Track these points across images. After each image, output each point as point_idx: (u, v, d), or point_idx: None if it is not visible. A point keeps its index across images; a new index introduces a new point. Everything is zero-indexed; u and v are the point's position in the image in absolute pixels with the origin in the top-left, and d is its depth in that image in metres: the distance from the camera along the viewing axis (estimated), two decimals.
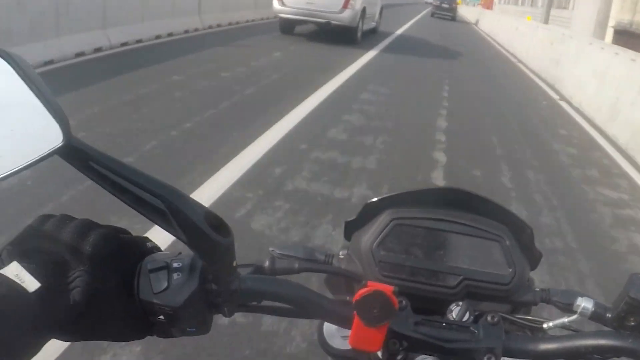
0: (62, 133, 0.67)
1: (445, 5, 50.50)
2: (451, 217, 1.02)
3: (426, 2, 72.33)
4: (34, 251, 0.73)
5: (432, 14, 50.90)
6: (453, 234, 1.01)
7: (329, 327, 1.07)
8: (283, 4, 17.54)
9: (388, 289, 0.80)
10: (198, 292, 0.79)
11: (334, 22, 17.40)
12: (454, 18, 49.94)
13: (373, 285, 0.80)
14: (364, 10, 18.08)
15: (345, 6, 17.19)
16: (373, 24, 19.94)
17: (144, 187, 0.72)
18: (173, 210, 0.72)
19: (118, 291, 0.77)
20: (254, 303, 0.89)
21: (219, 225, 0.76)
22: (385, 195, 1.03)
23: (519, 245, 1.02)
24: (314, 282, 0.95)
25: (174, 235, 0.74)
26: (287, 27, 18.24)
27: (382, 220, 1.02)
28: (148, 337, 0.84)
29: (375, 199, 1.03)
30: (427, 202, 1.04)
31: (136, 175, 0.72)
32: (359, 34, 18.20)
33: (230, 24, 19.15)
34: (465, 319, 0.94)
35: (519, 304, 1.02)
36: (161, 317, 0.79)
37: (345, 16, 17.33)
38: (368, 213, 1.04)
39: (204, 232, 0.73)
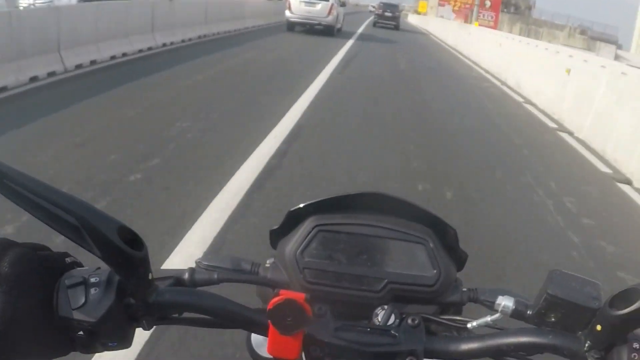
0: None
1: (389, 14, 30.22)
2: (374, 222, 0.62)
3: (370, 11, 46.57)
4: None
5: (375, 24, 30.27)
6: (377, 238, 0.62)
7: (256, 336, 0.69)
8: (292, 13, 17.93)
9: (300, 296, 0.53)
10: (116, 306, 0.52)
11: (323, 23, 18.05)
12: (397, 27, 30.00)
13: (285, 294, 0.53)
14: (337, 16, 18.83)
15: (329, 14, 17.98)
16: (339, 26, 19.80)
17: (56, 203, 0.47)
18: (86, 225, 0.47)
19: (37, 309, 0.50)
20: (175, 315, 0.58)
21: (132, 239, 0.50)
22: (308, 203, 0.63)
23: (443, 246, 0.63)
24: (245, 293, 0.56)
25: (88, 251, 0.48)
26: (291, 26, 18.40)
27: (306, 227, 0.63)
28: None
29: (298, 207, 0.64)
30: (350, 207, 0.64)
31: (49, 192, 0.48)
32: (335, 30, 18.81)
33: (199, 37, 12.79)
34: (391, 322, 0.59)
35: (446, 305, 0.64)
36: (80, 332, 0.51)
37: (330, 19, 18.06)
38: (292, 221, 0.64)
39: (117, 246, 0.48)
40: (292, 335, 0.53)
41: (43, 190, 0.47)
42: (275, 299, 0.52)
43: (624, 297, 0.48)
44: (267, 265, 0.65)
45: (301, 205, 0.62)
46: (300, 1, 17.70)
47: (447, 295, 0.62)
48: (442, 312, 0.63)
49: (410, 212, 0.63)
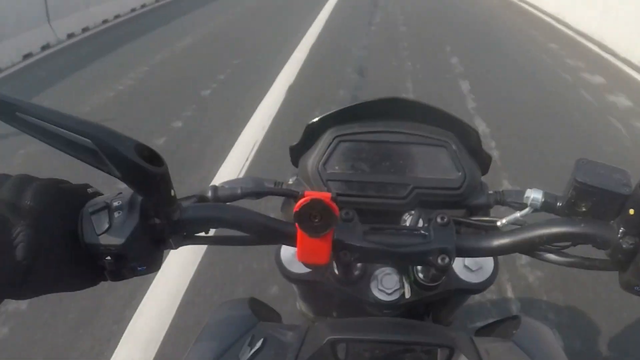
0: None
1: None
2: (393, 128, 0.60)
3: None
4: None
5: None
6: (398, 144, 0.60)
7: (286, 253, 0.67)
8: None
9: (326, 196, 0.49)
10: (141, 227, 0.50)
11: None
12: None
13: (310, 194, 0.50)
14: None
15: None
16: None
17: (72, 128, 0.45)
18: (103, 147, 0.45)
19: (63, 240, 0.49)
20: (202, 234, 0.56)
21: (151, 156, 0.48)
22: (325, 114, 0.60)
23: (466, 149, 0.60)
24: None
25: (108, 173, 0.46)
26: None
27: (325, 139, 0.60)
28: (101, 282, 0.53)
29: (315, 119, 0.61)
30: (369, 115, 0.61)
31: (63, 118, 0.45)
32: None
33: None
34: (419, 226, 0.57)
35: (473, 208, 0.61)
36: (108, 257, 0.50)
37: None
38: (311, 135, 0.62)
39: (137, 164, 0.46)
40: (321, 238, 0.51)
41: (57, 118, 0.45)
42: (302, 200, 0.49)
43: None
44: (290, 182, 0.63)
45: (319, 118, 0.60)
46: None
47: (473, 198, 0.60)
48: (470, 216, 0.61)
49: (429, 115, 0.60)
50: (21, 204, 0.47)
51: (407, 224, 0.57)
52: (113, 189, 0.52)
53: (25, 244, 0.45)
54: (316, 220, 0.49)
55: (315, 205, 0.49)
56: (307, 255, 0.52)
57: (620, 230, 0.49)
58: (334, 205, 0.49)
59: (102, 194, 0.54)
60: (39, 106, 0.45)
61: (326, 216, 0.49)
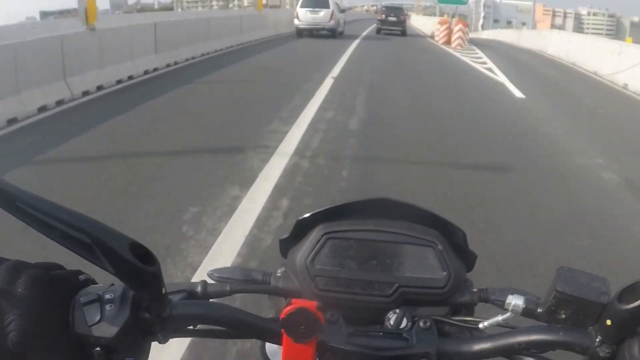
0: None
1: (393, 19, 23.99)
2: (382, 227, 0.59)
3: (366, 11, 38.09)
4: None
5: (378, 31, 24.04)
6: (386, 242, 0.58)
7: (271, 345, 0.65)
8: (300, 21, 18.97)
9: (312, 305, 0.49)
10: (131, 321, 0.49)
11: (326, 27, 19.05)
12: (404, 33, 23.73)
13: (297, 303, 0.50)
14: (338, 21, 19.90)
15: (331, 19, 19.04)
16: (340, 29, 20.72)
17: (68, 223, 0.45)
18: (98, 243, 0.45)
19: (53, 328, 0.48)
20: (190, 327, 0.55)
21: (144, 254, 0.47)
22: (316, 211, 0.59)
23: (452, 248, 0.59)
24: (258, 302, 0.54)
25: (102, 268, 0.46)
26: (300, 32, 19.25)
27: (315, 235, 0.59)
28: None
29: (306, 215, 0.60)
30: (358, 213, 0.60)
31: (61, 212, 0.45)
32: (337, 33, 19.83)
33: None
34: (403, 325, 0.55)
35: (458, 306, 0.60)
36: (97, 348, 0.48)
37: (332, 24, 19.12)
38: (301, 229, 0.60)
39: (130, 262, 0.46)
40: (305, 343, 0.50)
41: (55, 211, 0.45)
42: (288, 308, 0.49)
43: (632, 290, 0.45)
44: (278, 274, 0.61)
45: (309, 214, 0.59)
46: (306, 11, 18.85)
47: (458, 297, 0.58)
48: (453, 313, 0.60)
49: (417, 215, 0.59)
50: (14, 291, 0.45)
51: (391, 321, 0.56)
52: (104, 274, 0.51)
53: (17, 332, 0.44)
54: (302, 327, 0.49)
55: (301, 313, 0.48)
56: (292, 357, 0.51)
57: (598, 339, 0.48)
58: (319, 314, 0.49)
59: (94, 281, 0.53)
60: (38, 197, 0.45)
61: (312, 324, 0.49)
